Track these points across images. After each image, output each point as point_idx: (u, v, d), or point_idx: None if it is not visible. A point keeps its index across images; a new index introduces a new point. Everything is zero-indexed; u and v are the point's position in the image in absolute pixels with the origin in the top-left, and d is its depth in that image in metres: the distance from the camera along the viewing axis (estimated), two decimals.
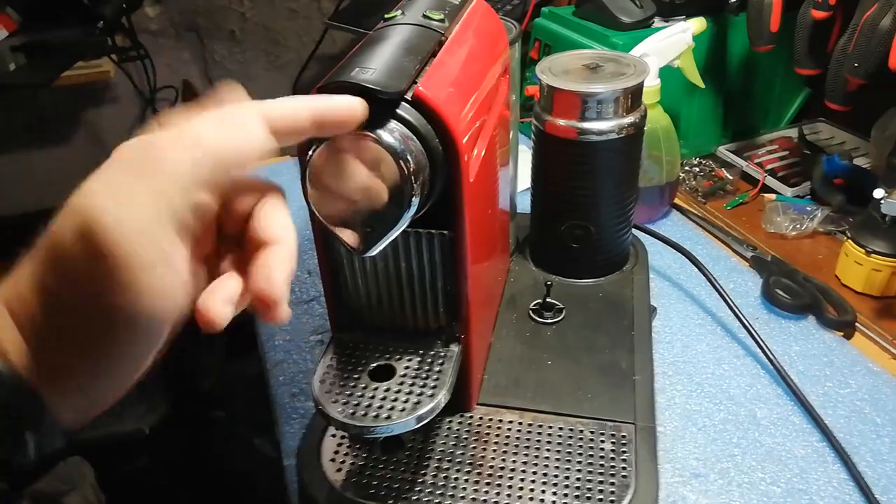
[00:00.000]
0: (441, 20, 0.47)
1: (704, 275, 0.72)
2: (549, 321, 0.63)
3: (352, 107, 0.36)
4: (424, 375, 0.48)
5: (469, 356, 0.52)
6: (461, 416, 0.54)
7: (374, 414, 0.44)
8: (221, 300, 0.32)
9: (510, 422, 0.54)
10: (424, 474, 0.50)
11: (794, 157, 0.98)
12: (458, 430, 0.53)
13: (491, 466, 0.50)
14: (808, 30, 0.78)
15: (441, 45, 0.46)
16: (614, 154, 0.63)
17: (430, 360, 0.50)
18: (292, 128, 0.34)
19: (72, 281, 0.29)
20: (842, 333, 0.70)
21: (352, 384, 0.47)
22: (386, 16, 0.47)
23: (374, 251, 0.41)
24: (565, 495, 0.48)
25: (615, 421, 0.53)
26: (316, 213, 0.41)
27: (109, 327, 0.29)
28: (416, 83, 0.40)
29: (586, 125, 0.61)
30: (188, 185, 0.30)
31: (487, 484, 0.49)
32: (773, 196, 0.92)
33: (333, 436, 0.53)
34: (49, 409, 0.30)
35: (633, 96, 0.62)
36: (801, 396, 0.61)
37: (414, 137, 0.40)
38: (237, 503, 1.25)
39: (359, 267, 0.51)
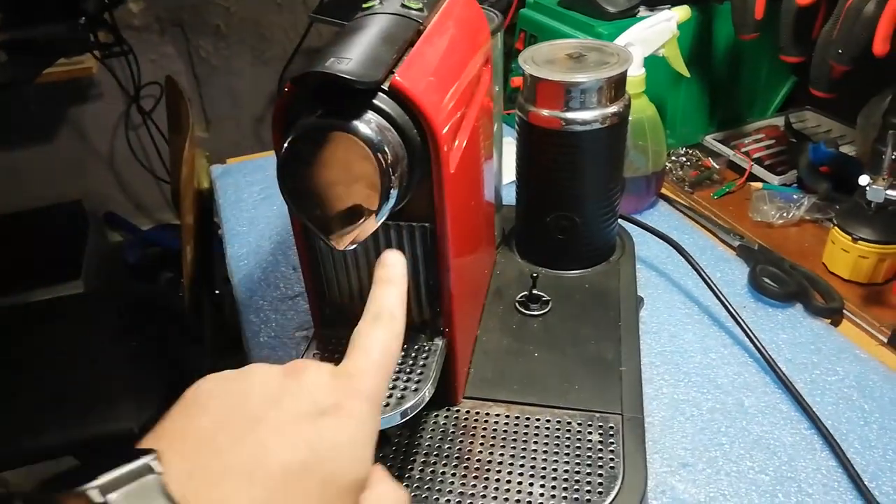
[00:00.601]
0: (420, 9, 0.46)
1: (691, 264, 0.71)
2: (536, 313, 0.62)
3: (400, 277, 0.40)
4: (409, 370, 0.48)
5: (454, 350, 0.51)
6: (447, 409, 0.54)
7: None
8: None
9: (497, 415, 0.53)
10: (411, 469, 0.49)
11: (780, 145, 0.98)
12: (444, 424, 0.53)
13: (478, 460, 0.50)
14: (792, 17, 0.77)
15: (420, 34, 0.45)
16: (599, 144, 0.63)
17: (414, 354, 0.49)
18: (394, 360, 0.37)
19: None
20: (829, 321, 0.70)
21: None
22: (364, 5, 0.46)
23: (353, 245, 0.41)
24: (553, 488, 0.47)
25: (602, 412, 0.53)
26: (293, 207, 0.40)
27: None
28: (393, 73, 0.40)
29: (570, 115, 0.61)
30: None
31: (475, 478, 0.48)
32: (759, 185, 0.92)
33: None
34: None
35: (617, 85, 0.61)
36: (789, 384, 0.61)
37: (391, 128, 0.39)
38: None
39: (340, 262, 0.50)
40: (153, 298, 1.61)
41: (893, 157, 0.66)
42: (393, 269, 0.40)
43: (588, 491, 0.47)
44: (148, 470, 0.28)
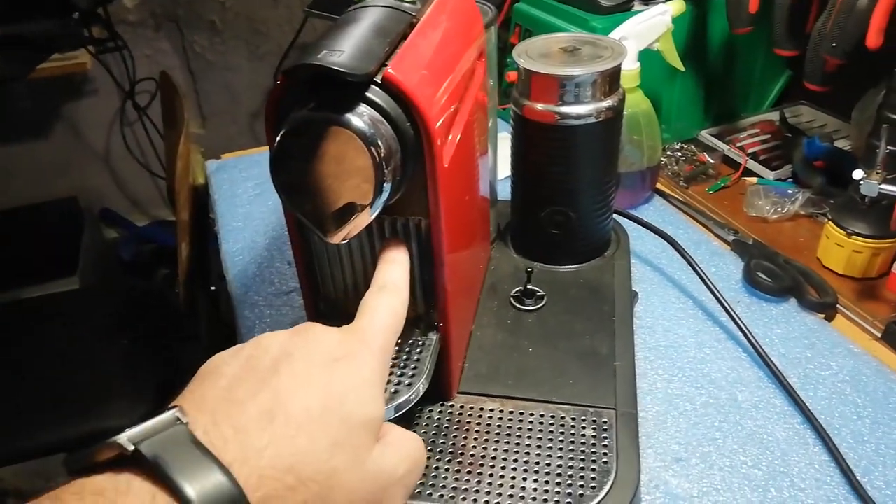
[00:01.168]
0: (413, 2, 0.46)
1: (686, 259, 0.71)
2: (531, 308, 0.62)
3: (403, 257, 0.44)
4: (402, 364, 0.48)
5: (448, 345, 0.51)
6: (442, 405, 0.54)
7: None
8: None
9: (491, 410, 0.53)
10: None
11: (775, 140, 0.98)
12: (438, 419, 0.53)
13: (472, 455, 0.50)
14: (786, 10, 0.77)
15: (413, 27, 0.45)
16: (593, 138, 0.63)
17: (408, 348, 0.49)
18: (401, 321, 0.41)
19: None
20: (823, 315, 0.70)
21: None
22: None
23: (347, 238, 0.41)
24: (546, 482, 0.47)
25: (596, 407, 0.53)
26: (286, 201, 0.40)
27: None
28: (385, 66, 0.40)
29: (564, 109, 0.61)
30: None
31: (469, 472, 0.48)
32: (754, 179, 0.92)
33: None
34: None
35: (611, 79, 0.61)
36: (783, 379, 0.61)
37: (384, 121, 0.39)
38: None
39: (334, 256, 0.50)
40: (149, 295, 1.61)
41: (887, 151, 0.66)
42: (396, 251, 0.44)
43: (581, 486, 0.47)
44: (174, 421, 0.29)
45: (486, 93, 0.60)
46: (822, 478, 0.54)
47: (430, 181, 0.44)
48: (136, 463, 0.28)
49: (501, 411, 0.53)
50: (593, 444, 0.50)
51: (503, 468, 0.48)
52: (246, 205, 0.93)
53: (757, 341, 0.64)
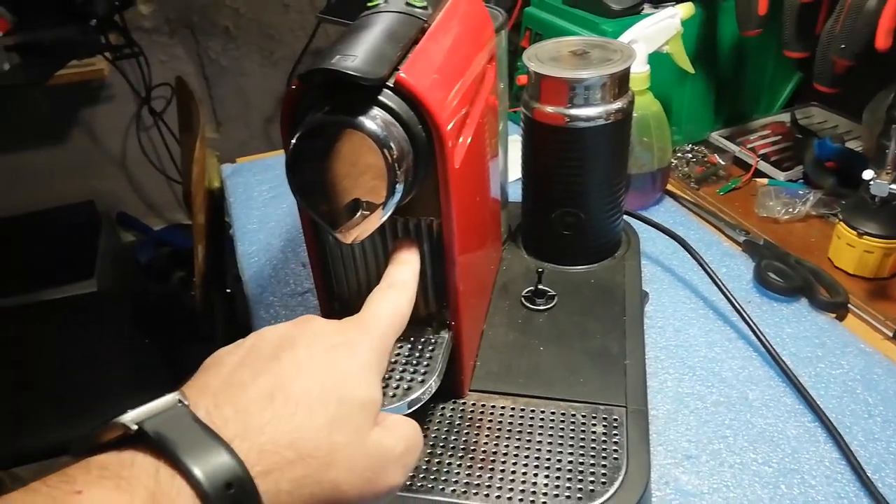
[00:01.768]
0: (424, 7, 0.47)
1: (696, 260, 0.72)
2: (542, 308, 0.63)
3: (413, 258, 0.45)
4: (415, 362, 0.49)
5: (460, 343, 0.52)
6: (454, 402, 0.55)
7: None
8: None
9: (503, 407, 0.54)
10: (418, 460, 0.50)
11: (786, 141, 0.98)
12: (450, 416, 0.54)
13: (484, 451, 0.50)
14: (795, 12, 0.78)
15: (424, 32, 0.46)
16: (603, 140, 0.63)
17: (420, 346, 0.50)
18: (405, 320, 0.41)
19: None
20: (834, 315, 0.71)
21: None
22: (369, 3, 0.47)
23: (360, 238, 0.42)
24: (557, 478, 0.48)
25: (607, 405, 0.53)
26: (301, 201, 0.41)
27: None
28: (397, 70, 0.41)
29: (574, 111, 0.61)
30: None
31: (480, 468, 0.49)
32: (765, 181, 0.92)
33: None
34: None
35: (621, 82, 0.62)
36: (794, 377, 0.62)
37: (397, 124, 0.40)
38: None
39: (349, 257, 0.51)
40: (165, 297, 1.63)
41: None
42: (407, 252, 0.45)
43: (592, 481, 0.48)
44: (176, 402, 0.30)
45: (496, 96, 0.61)
46: (832, 475, 0.54)
47: (442, 182, 0.44)
48: (140, 441, 0.29)
49: (513, 409, 0.54)
50: (604, 441, 0.50)
51: (514, 464, 0.49)
52: (261, 207, 0.95)
53: (768, 340, 0.64)
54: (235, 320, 1.30)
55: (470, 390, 0.55)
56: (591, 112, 0.61)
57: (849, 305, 0.71)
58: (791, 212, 0.85)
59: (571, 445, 0.50)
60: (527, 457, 0.50)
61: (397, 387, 0.46)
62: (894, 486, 0.53)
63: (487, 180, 0.59)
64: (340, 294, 0.53)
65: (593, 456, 0.49)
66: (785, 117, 1.04)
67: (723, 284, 0.68)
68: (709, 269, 0.70)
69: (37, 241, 1.99)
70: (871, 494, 0.52)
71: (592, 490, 0.47)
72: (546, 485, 0.47)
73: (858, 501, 0.52)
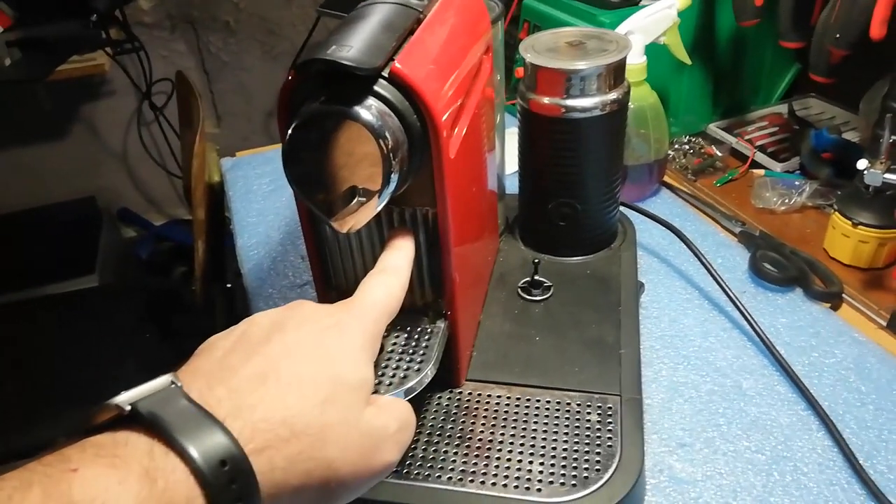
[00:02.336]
0: None
1: (692, 250, 0.72)
2: (538, 298, 0.64)
3: (407, 244, 0.45)
4: (411, 351, 0.49)
5: (456, 332, 0.52)
6: (450, 391, 0.55)
7: None
8: None
9: (498, 396, 0.54)
10: (415, 448, 0.51)
11: (784, 132, 0.98)
12: (447, 405, 0.54)
13: (480, 440, 0.51)
14: (791, 2, 0.78)
15: (419, 22, 0.47)
16: (599, 131, 0.64)
17: (416, 335, 0.51)
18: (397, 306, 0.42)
19: None
20: (829, 305, 0.71)
21: None
22: None
23: (356, 227, 0.42)
24: (552, 465, 0.48)
25: (601, 393, 0.54)
26: (298, 192, 0.42)
27: None
28: (393, 60, 0.41)
29: (570, 102, 0.62)
30: None
31: (476, 456, 0.50)
32: (762, 172, 0.92)
33: None
34: None
35: (616, 72, 0.62)
36: (787, 366, 0.62)
37: (392, 114, 0.40)
38: None
39: (345, 246, 0.51)
40: (166, 292, 1.64)
41: (891, 140, 0.67)
42: (401, 239, 0.45)
43: (586, 468, 0.48)
44: (168, 384, 0.31)
45: (493, 88, 0.62)
46: (824, 462, 0.55)
47: (437, 172, 0.45)
48: (134, 421, 0.29)
49: (509, 398, 0.54)
50: (598, 429, 0.51)
51: (510, 452, 0.50)
52: (260, 201, 0.95)
53: (762, 330, 0.65)
54: (235, 315, 1.31)
55: (466, 380, 0.56)
56: (588, 103, 0.62)
57: (843, 295, 0.72)
58: (787, 203, 0.85)
59: (566, 433, 0.51)
60: (522, 444, 0.50)
61: (393, 375, 0.47)
62: (885, 473, 0.54)
63: (484, 171, 0.59)
64: (338, 284, 0.53)
65: (588, 444, 0.50)
66: (782, 108, 1.04)
67: (718, 275, 0.69)
68: (704, 260, 0.71)
69: (38, 236, 2.00)
70: (862, 481, 0.53)
71: (587, 477, 0.47)
72: (541, 472, 0.48)
73: (850, 488, 0.53)
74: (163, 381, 0.31)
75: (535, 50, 0.64)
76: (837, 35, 0.70)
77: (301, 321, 0.37)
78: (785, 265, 0.73)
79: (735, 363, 0.64)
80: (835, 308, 0.71)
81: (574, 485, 0.47)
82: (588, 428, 0.51)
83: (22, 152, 2.13)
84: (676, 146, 0.98)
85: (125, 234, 2.36)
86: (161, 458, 0.28)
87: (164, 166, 2.26)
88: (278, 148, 1.10)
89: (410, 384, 0.46)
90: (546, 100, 0.63)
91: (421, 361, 0.48)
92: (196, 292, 1.23)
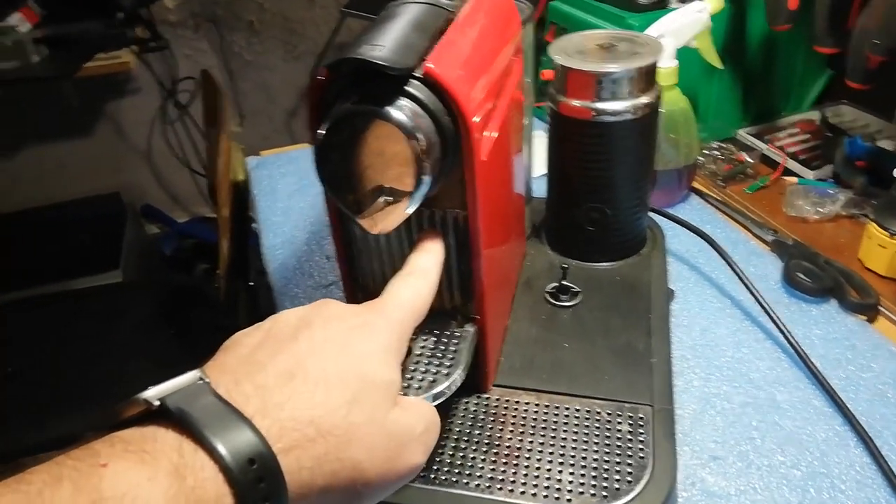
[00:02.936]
0: None
1: (724, 258, 0.71)
2: (566, 304, 0.62)
3: (436, 247, 0.45)
4: (440, 355, 0.48)
5: (485, 337, 0.52)
6: (478, 397, 0.54)
7: None
8: None
9: (527, 403, 0.53)
10: (441, 454, 0.50)
11: (816, 140, 0.96)
12: (475, 410, 0.53)
13: (508, 447, 0.50)
14: (826, 6, 0.76)
15: (450, 23, 0.46)
16: (629, 135, 0.62)
17: (445, 339, 0.50)
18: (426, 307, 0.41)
19: None
20: (864, 317, 0.69)
21: None
22: None
23: (387, 230, 0.41)
24: (582, 475, 0.47)
25: (632, 403, 0.53)
26: (329, 191, 0.41)
27: None
28: (425, 60, 0.40)
29: (601, 105, 0.61)
30: None
31: (504, 464, 0.49)
32: (794, 179, 0.90)
33: None
34: None
35: (648, 76, 0.61)
36: (823, 380, 0.60)
37: (424, 115, 0.40)
38: None
39: (374, 249, 0.51)
40: (188, 289, 1.64)
41: None
42: (430, 241, 0.45)
43: (617, 479, 0.47)
44: (196, 379, 0.30)
45: (522, 90, 0.61)
46: (863, 480, 0.53)
47: (468, 174, 0.44)
48: (162, 417, 0.29)
49: (537, 405, 0.53)
50: (629, 440, 0.50)
51: (539, 460, 0.49)
52: (285, 200, 0.95)
53: (797, 342, 0.63)
54: (258, 312, 1.31)
55: (494, 385, 0.55)
56: (618, 106, 0.61)
57: (879, 307, 0.70)
58: (820, 211, 0.83)
59: (596, 443, 0.50)
60: (551, 453, 0.49)
61: (422, 379, 0.46)
62: None
63: (513, 174, 0.59)
64: (366, 285, 0.53)
65: (618, 454, 0.49)
66: (814, 115, 1.02)
67: (751, 284, 0.67)
68: (736, 268, 0.69)
69: (63, 232, 2.02)
70: None
71: (618, 489, 0.46)
72: (571, 482, 0.47)
73: None
74: (191, 376, 0.30)
75: (566, 52, 0.63)
76: (876, 40, 0.69)
77: (328, 319, 0.36)
78: (819, 275, 0.71)
79: (769, 375, 0.63)
80: (871, 320, 0.69)
81: (605, 496, 0.46)
82: (619, 438, 0.50)
83: (48, 148, 2.15)
84: (706, 152, 0.96)
85: (149, 231, 2.38)
86: (190, 455, 0.28)
87: (188, 164, 2.28)
88: (303, 148, 1.10)
89: (440, 388, 0.45)
90: (576, 102, 0.62)
91: (450, 366, 0.47)
92: (220, 289, 1.23)
